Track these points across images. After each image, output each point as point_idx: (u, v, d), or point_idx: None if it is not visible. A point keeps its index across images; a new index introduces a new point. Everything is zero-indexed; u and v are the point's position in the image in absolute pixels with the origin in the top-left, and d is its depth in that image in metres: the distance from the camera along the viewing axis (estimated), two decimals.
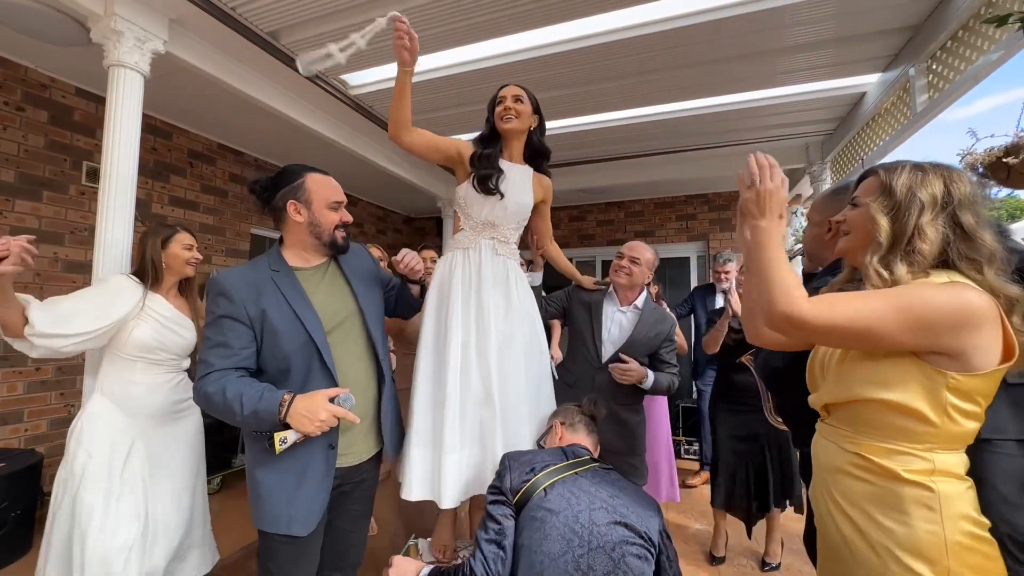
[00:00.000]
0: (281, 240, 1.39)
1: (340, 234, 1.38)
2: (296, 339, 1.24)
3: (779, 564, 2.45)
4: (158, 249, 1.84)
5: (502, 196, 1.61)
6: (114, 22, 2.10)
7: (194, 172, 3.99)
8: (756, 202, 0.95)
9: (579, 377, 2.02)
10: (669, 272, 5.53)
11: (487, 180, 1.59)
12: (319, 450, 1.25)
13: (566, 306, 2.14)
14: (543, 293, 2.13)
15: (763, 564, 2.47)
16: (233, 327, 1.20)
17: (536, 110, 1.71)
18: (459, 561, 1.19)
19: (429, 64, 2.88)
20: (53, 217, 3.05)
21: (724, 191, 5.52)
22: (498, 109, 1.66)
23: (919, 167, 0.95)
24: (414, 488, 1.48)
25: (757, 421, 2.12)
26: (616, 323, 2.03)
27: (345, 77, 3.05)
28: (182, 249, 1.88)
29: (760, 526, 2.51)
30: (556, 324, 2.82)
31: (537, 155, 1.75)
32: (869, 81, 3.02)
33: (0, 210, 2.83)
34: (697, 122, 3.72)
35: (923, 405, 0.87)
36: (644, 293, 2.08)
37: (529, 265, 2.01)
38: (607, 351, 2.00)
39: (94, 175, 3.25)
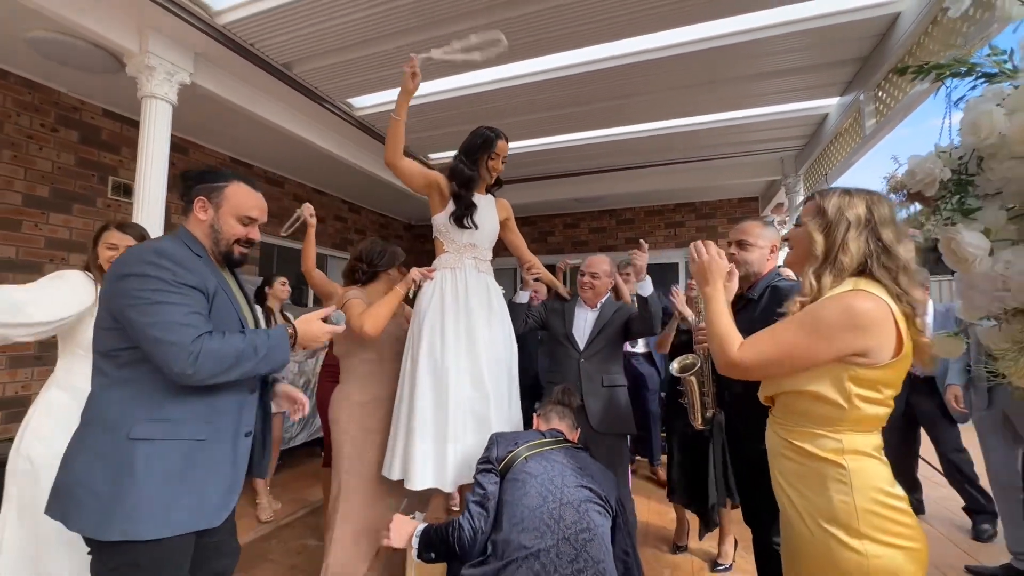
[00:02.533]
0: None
1: (240, 249, 1.32)
2: (233, 327, 1.24)
3: (731, 565, 2.44)
4: (92, 247, 1.78)
5: (476, 228, 1.89)
6: (148, 58, 2.38)
7: None
8: (701, 273, 1.23)
9: (564, 374, 2.30)
10: (658, 277, 5.78)
11: (463, 219, 1.88)
12: (232, 438, 1.23)
13: (544, 318, 2.47)
14: (529, 307, 2.43)
15: (714, 565, 2.49)
16: (197, 296, 1.16)
17: None
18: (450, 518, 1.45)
19: (435, 87, 3.17)
20: (83, 228, 3.32)
21: (711, 200, 5.80)
22: (492, 164, 1.93)
23: (847, 192, 1.12)
24: (421, 479, 1.69)
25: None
26: (584, 319, 2.36)
27: (351, 100, 3.33)
28: (105, 248, 1.77)
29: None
30: None
31: (493, 184, 2.07)
32: (830, 104, 3.29)
33: (36, 222, 3.10)
34: (685, 138, 4.02)
35: (832, 393, 1.02)
36: (607, 296, 2.41)
37: (520, 284, 2.34)
38: (581, 342, 2.32)
39: (119, 189, 3.53)
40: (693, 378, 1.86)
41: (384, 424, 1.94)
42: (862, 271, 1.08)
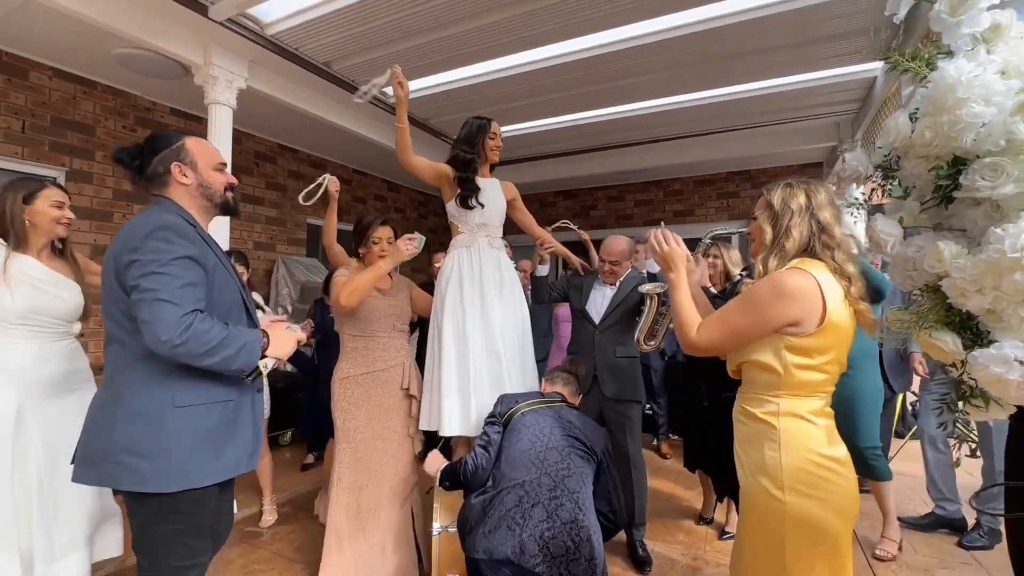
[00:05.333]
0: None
1: (230, 195, 1.46)
2: (233, 295, 1.39)
3: None
4: (19, 205, 1.77)
5: (483, 206, 2.33)
6: (212, 69, 3.00)
7: (259, 171, 5.01)
8: (664, 261, 1.50)
9: (581, 345, 2.74)
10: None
11: (467, 199, 2.32)
12: (248, 393, 1.43)
13: (566, 292, 2.87)
14: (550, 281, 2.85)
15: (722, 532, 2.79)
16: (196, 270, 1.27)
17: None
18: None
19: (468, 72, 3.63)
20: None
21: (768, 167, 5.83)
22: (491, 144, 2.37)
23: (789, 184, 1.43)
24: (449, 427, 2.21)
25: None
26: (602, 295, 2.74)
27: (387, 90, 3.85)
28: (50, 207, 1.81)
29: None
30: None
31: (494, 167, 2.50)
32: (878, 67, 3.38)
33: (123, 213, 3.93)
34: (736, 105, 4.24)
35: (771, 360, 1.27)
36: (627, 272, 2.74)
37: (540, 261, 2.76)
38: (596, 317, 2.71)
39: None
40: (655, 302, 2.17)
41: (370, 398, 2.24)
42: (809, 252, 1.35)
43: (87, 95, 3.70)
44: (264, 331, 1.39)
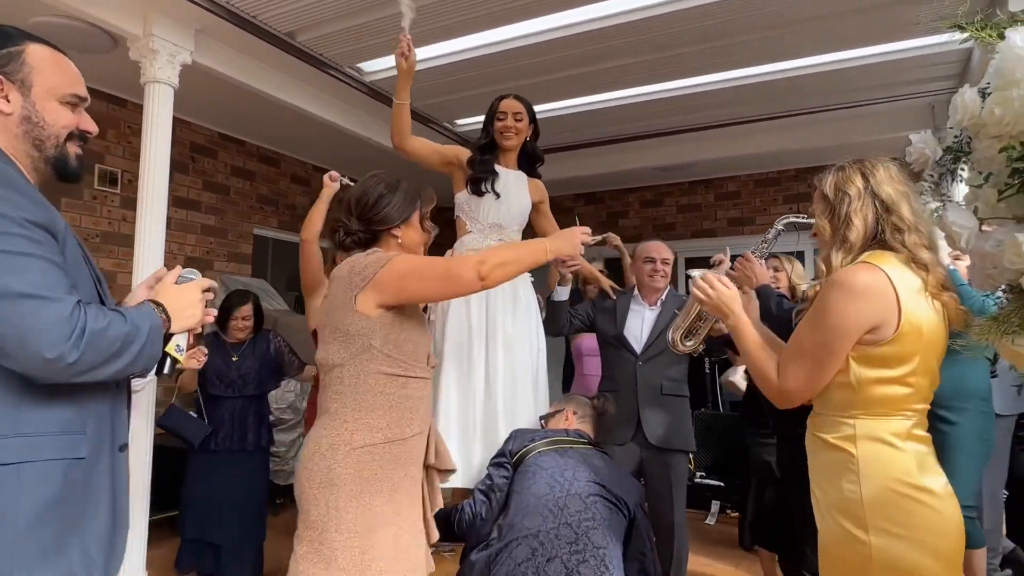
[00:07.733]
0: None
1: (74, 149, 1.25)
2: (87, 285, 1.19)
3: None
4: None
5: (497, 196, 2.54)
6: (152, 42, 3.32)
7: (196, 168, 5.32)
8: (717, 308, 1.63)
9: (620, 381, 2.91)
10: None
11: (480, 183, 2.53)
12: (107, 449, 1.20)
13: (592, 319, 3.08)
14: (573, 305, 3.06)
15: None
16: (49, 242, 1.08)
17: (532, 120, 2.66)
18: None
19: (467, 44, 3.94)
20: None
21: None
22: (498, 125, 2.59)
23: (840, 167, 1.56)
24: (454, 478, 2.29)
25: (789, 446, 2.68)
26: (641, 318, 2.93)
27: (360, 65, 4.19)
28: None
29: None
30: None
31: (531, 161, 2.73)
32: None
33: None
34: (807, 82, 4.48)
35: (840, 375, 1.40)
36: (667, 290, 2.98)
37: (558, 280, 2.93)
38: (638, 345, 2.89)
39: (105, 178, 4.61)
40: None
41: (395, 486, 1.68)
42: (879, 240, 1.52)
43: None
44: (152, 301, 1.22)
